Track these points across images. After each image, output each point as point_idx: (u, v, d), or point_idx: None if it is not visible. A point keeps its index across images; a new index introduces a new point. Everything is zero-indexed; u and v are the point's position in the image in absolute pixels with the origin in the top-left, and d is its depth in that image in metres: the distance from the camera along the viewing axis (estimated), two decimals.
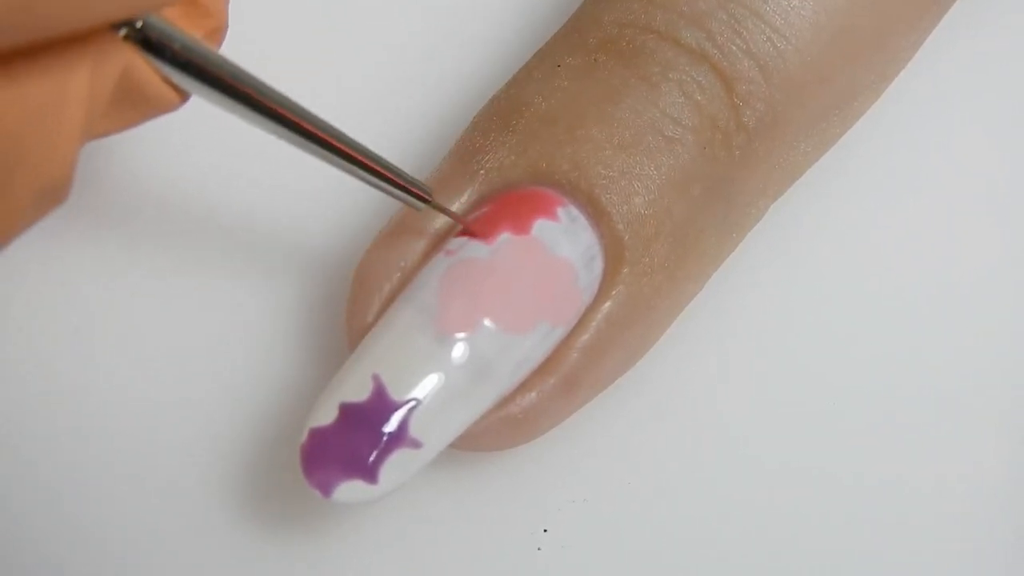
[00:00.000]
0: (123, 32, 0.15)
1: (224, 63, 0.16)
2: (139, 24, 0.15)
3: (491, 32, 0.25)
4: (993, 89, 0.25)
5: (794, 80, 0.21)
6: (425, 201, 0.19)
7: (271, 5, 0.25)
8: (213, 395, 0.22)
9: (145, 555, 0.22)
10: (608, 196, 0.20)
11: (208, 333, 0.23)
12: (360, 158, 0.18)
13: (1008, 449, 0.23)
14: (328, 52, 0.25)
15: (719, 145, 0.21)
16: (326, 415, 0.19)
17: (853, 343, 0.23)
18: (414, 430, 0.19)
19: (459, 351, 0.19)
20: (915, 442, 0.23)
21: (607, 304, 0.20)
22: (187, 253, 0.23)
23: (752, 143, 0.21)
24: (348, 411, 0.19)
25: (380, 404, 0.19)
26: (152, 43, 0.16)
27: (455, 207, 0.21)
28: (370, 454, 0.19)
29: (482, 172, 0.21)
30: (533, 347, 0.20)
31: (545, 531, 0.22)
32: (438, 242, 0.20)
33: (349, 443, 0.19)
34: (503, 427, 0.20)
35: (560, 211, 0.20)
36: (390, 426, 0.19)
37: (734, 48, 0.20)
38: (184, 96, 0.17)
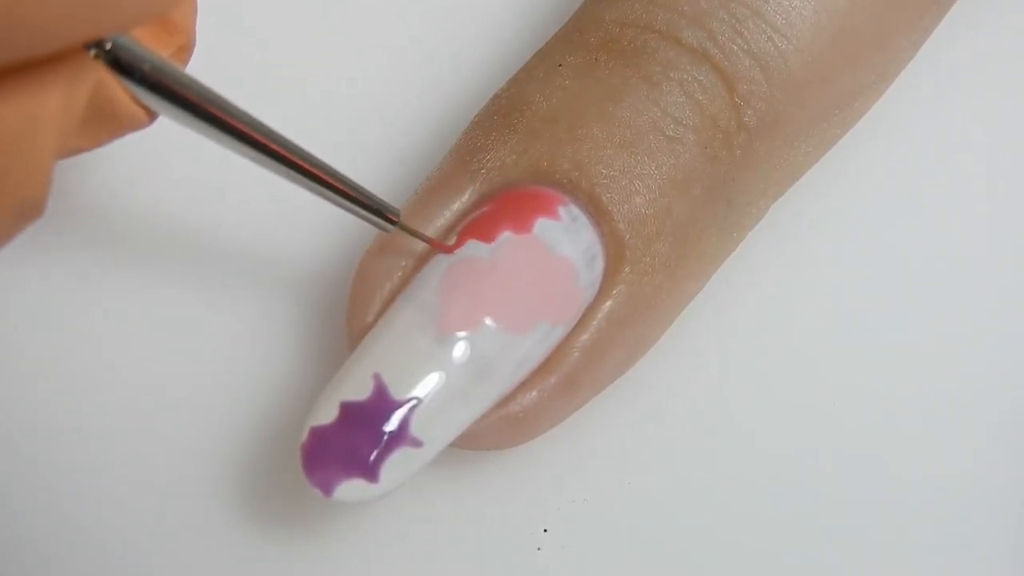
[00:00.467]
0: (93, 52, 0.15)
1: (192, 84, 0.16)
2: (108, 45, 0.15)
3: (491, 32, 0.25)
4: (993, 89, 0.25)
5: (795, 80, 0.21)
6: (393, 223, 0.19)
7: (271, 8, 0.25)
8: (213, 394, 0.22)
9: (145, 555, 0.22)
10: (609, 195, 0.20)
11: (208, 332, 0.23)
12: (328, 180, 0.18)
13: (1008, 444, 0.23)
14: (328, 54, 0.25)
15: (720, 145, 0.21)
16: (327, 414, 0.19)
17: (853, 343, 0.23)
18: (415, 429, 0.19)
19: (460, 350, 0.19)
20: (916, 442, 0.23)
21: (608, 303, 0.20)
22: (187, 254, 0.23)
23: (753, 143, 0.21)
24: (349, 410, 0.19)
25: (381, 403, 0.19)
26: (122, 63, 0.16)
27: (456, 206, 0.21)
28: (371, 453, 0.19)
29: (483, 171, 0.21)
30: (534, 346, 0.20)
31: (545, 531, 0.22)
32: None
33: (350, 442, 0.19)
34: (504, 426, 0.20)
35: (561, 210, 0.20)
36: (391, 425, 0.19)
37: (735, 48, 0.20)
38: (153, 115, 0.17)
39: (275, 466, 0.22)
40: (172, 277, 0.23)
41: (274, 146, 0.17)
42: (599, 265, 0.20)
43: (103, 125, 0.17)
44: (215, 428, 0.22)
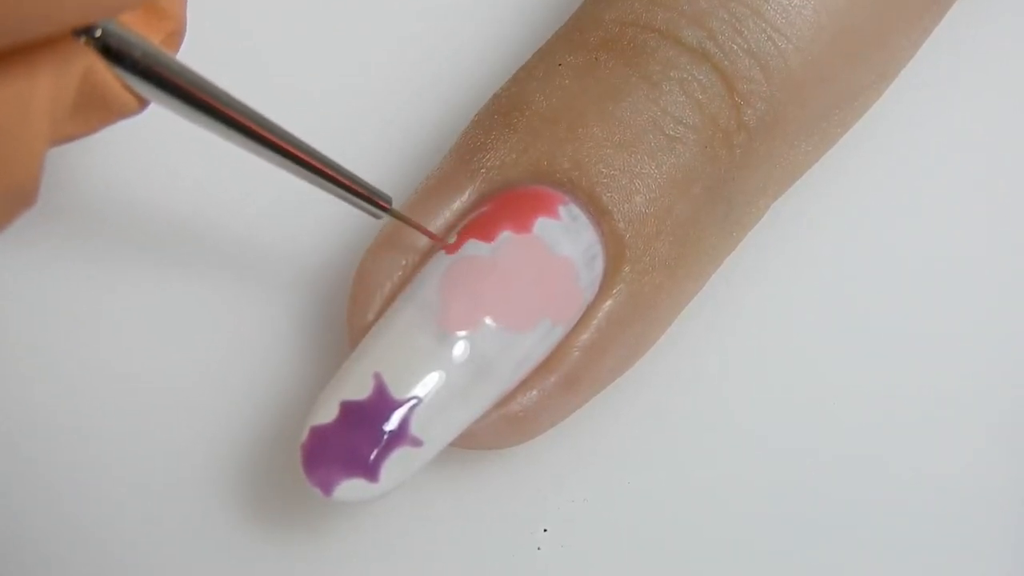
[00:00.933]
0: (83, 39, 0.15)
1: (183, 70, 0.16)
2: (98, 32, 0.15)
3: (491, 31, 0.25)
4: (993, 89, 0.25)
5: (795, 79, 0.21)
6: (384, 210, 0.19)
7: (270, 6, 0.25)
8: (213, 394, 0.22)
9: (145, 555, 0.22)
10: (609, 195, 0.20)
11: (208, 331, 0.23)
12: (319, 166, 0.18)
13: (1008, 444, 0.23)
14: (328, 53, 0.25)
15: (720, 144, 0.21)
16: (327, 413, 0.19)
17: (853, 343, 0.23)
18: (415, 428, 0.19)
19: (460, 349, 0.19)
20: (916, 442, 0.23)
21: (608, 302, 0.20)
22: (187, 253, 0.23)
23: (753, 142, 0.21)
24: (349, 409, 0.19)
25: (381, 402, 0.19)
26: (112, 50, 0.16)
27: (456, 205, 0.21)
28: (371, 452, 0.19)
29: (483, 170, 0.21)
30: (534, 345, 0.20)
31: (545, 531, 0.22)
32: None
33: (350, 441, 0.19)
34: (504, 425, 0.20)
35: (561, 210, 0.20)
36: (391, 424, 0.19)
37: (735, 47, 0.21)
38: (143, 102, 0.17)
39: (275, 466, 0.22)
40: (172, 277, 0.23)
41: (265, 132, 0.17)
42: (599, 264, 0.20)
43: (93, 112, 0.17)
44: (215, 428, 0.22)
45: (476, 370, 0.19)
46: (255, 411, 0.22)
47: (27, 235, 0.23)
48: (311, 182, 0.18)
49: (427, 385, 0.19)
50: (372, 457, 0.19)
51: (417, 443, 0.19)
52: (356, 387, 0.19)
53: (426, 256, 0.20)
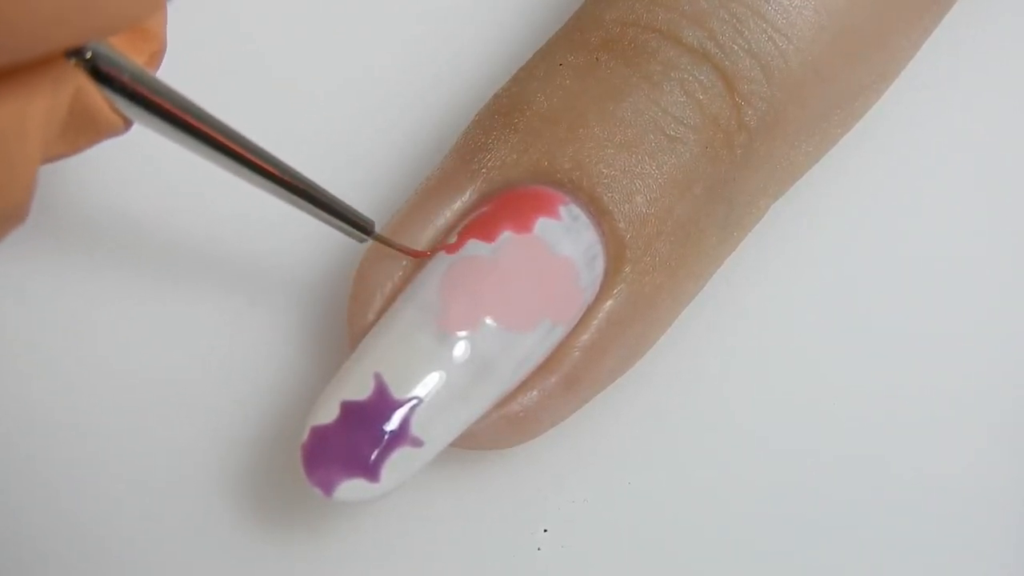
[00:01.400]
0: (73, 60, 0.16)
1: (170, 93, 0.16)
2: (88, 54, 0.16)
3: (491, 32, 0.25)
4: (993, 89, 0.25)
5: (795, 80, 0.21)
6: (368, 233, 0.20)
7: (270, 8, 0.25)
8: (213, 394, 0.22)
9: (144, 554, 0.22)
10: (610, 195, 0.20)
11: (208, 331, 0.23)
12: (304, 190, 0.18)
13: (1009, 444, 0.23)
14: (328, 54, 0.25)
15: (721, 144, 0.21)
16: (327, 414, 0.19)
17: (854, 343, 0.23)
18: (415, 428, 0.19)
19: (460, 349, 0.19)
20: (916, 442, 0.23)
21: (608, 303, 0.20)
22: (187, 253, 0.23)
23: (753, 142, 0.21)
24: (349, 409, 0.19)
25: (381, 402, 0.19)
26: (101, 72, 0.16)
27: (456, 206, 0.21)
28: (371, 452, 0.19)
29: (484, 171, 0.21)
30: (534, 346, 0.20)
31: (545, 531, 0.22)
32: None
33: (350, 441, 0.19)
34: (504, 425, 0.20)
35: (562, 210, 0.20)
36: (391, 424, 0.19)
37: (736, 47, 0.21)
38: (129, 122, 0.17)
39: (275, 466, 0.22)
40: (172, 276, 0.23)
41: (250, 156, 0.17)
42: (600, 265, 0.20)
43: (82, 132, 0.17)
44: (214, 427, 0.22)
45: (476, 370, 0.19)
46: (255, 410, 0.22)
47: (27, 233, 0.23)
48: (296, 206, 0.19)
49: (427, 385, 0.19)
50: (373, 457, 0.19)
51: (418, 443, 0.19)
52: (357, 387, 0.19)
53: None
